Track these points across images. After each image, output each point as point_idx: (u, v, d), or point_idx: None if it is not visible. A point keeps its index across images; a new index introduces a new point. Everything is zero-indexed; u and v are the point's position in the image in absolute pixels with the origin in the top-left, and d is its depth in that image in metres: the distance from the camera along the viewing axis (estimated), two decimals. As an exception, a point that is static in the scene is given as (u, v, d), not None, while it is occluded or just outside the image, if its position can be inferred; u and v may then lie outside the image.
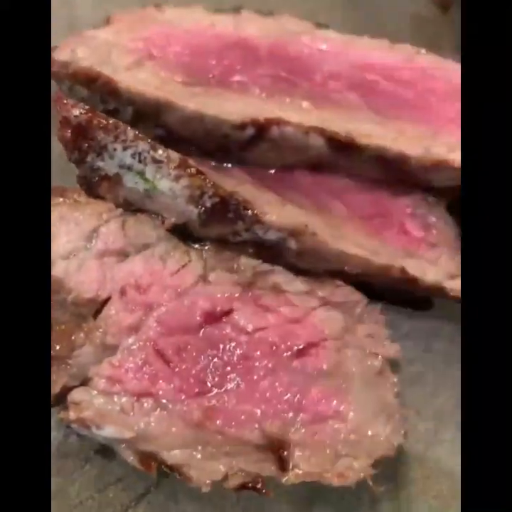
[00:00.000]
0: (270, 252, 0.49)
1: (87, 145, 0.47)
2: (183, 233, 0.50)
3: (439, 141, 0.50)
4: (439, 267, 0.51)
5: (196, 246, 0.49)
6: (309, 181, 0.52)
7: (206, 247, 0.49)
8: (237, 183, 0.50)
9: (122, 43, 0.54)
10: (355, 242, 0.49)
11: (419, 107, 0.53)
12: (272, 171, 0.52)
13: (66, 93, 0.54)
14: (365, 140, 0.48)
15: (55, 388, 0.47)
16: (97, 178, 0.48)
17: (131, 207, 0.49)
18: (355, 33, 0.65)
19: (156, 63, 0.53)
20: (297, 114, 0.49)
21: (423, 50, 0.60)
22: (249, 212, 0.47)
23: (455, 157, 0.50)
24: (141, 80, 0.51)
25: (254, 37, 0.56)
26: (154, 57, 0.54)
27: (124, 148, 0.46)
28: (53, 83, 0.57)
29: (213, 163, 0.52)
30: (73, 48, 0.53)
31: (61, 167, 0.54)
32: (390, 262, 0.48)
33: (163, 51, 0.55)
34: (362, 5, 0.72)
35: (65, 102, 0.49)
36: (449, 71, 0.58)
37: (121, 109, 0.50)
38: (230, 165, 0.52)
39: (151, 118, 0.50)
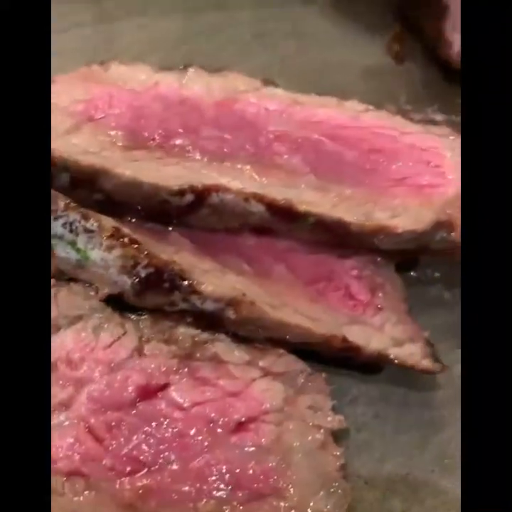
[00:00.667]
0: (209, 321, 0.48)
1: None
2: (118, 303, 0.49)
3: (380, 206, 0.50)
4: (384, 333, 0.50)
5: (132, 316, 0.48)
6: (253, 244, 0.52)
7: (143, 317, 0.48)
8: (175, 250, 0.49)
9: (62, 105, 0.54)
10: (296, 311, 0.48)
11: (363, 168, 0.53)
12: (215, 234, 0.52)
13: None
14: (304, 207, 0.48)
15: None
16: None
17: (63, 276, 0.48)
18: (307, 88, 0.65)
19: (95, 126, 0.53)
20: (238, 180, 0.49)
21: (371, 107, 0.59)
22: (185, 282, 0.46)
23: (397, 223, 0.49)
24: (77, 146, 0.50)
25: (200, 96, 0.56)
26: (94, 120, 0.53)
27: (55, 218, 0.46)
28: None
29: (153, 227, 0.51)
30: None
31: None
32: (332, 332, 0.47)
33: (104, 113, 0.54)
34: (314, 58, 0.73)
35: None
36: (396, 129, 0.59)
37: (57, 175, 0.49)
38: (171, 228, 0.52)
39: (87, 184, 0.50)
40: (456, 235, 0.51)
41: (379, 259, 0.55)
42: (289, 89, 0.64)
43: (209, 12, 0.74)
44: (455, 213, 0.51)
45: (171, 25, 0.72)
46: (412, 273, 0.60)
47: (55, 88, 0.56)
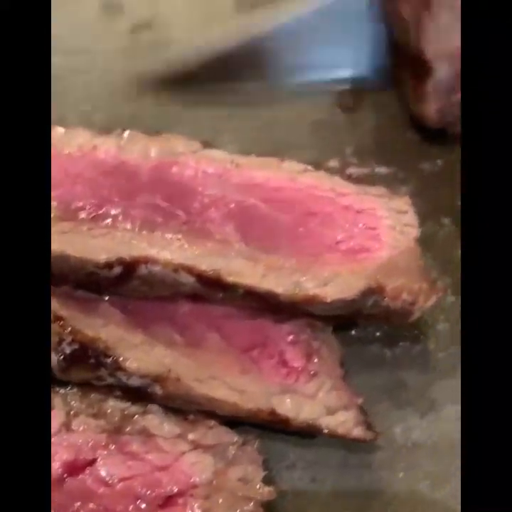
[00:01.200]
0: (138, 395, 0.49)
1: None
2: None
3: (311, 275, 0.51)
4: (316, 401, 0.51)
5: (60, 390, 0.48)
6: (187, 311, 0.52)
7: (71, 391, 0.48)
8: (103, 323, 0.49)
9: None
10: (224, 383, 0.48)
11: (296, 234, 0.54)
12: (148, 302, 0.53)
13: None
14: (233, 278, 0.48)
15: None
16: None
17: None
18: (254, 144, 0.68)
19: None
20: (167, 250, 0.49)
21: (310, 167, 0.60)
22: (110, 359, 0.46)
23: (326, 292, 0.50)
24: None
25: (136, 161, 0.56)
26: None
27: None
28: None
29: (85, 295, 0.52)
30: None
31: None
32: (259, 405, 0.48)
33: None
34: (260, 114, 0.74)
35: None
36: (333, 190, 0.60)
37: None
38: (103, 296, 0.52)
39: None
40: (388, 301, 0.52)
41: (316, 322, 0.56)
42: (236, 146, 0.66)
43: (153, 68, 0.75)
44: (386, 279, 0.53)
45: (115, 83, 0.73)
46: (352, 332, 0.60)
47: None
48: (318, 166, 0.65)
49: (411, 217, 0.59)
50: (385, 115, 0.76)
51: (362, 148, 0.73)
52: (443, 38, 0.68)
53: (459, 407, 0.57)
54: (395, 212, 0.58)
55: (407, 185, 0.71)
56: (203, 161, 0.59)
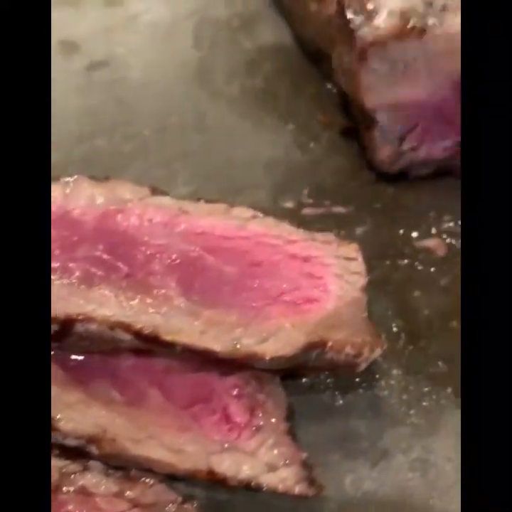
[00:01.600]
0: (76, 453, 0.50)
1: None
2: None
3: (251, 330, 0.52)
4: (257, 458, 0.51)
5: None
6: (129, 366, 0.53)
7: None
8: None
9: None
10: (161, 443, 0.49)
11: (239, 286, 0.55)
12: (90, 356, 0.53)
13: None
14: (171, 337, 0.49)
15: None
16: None
17: None
18: (210, 185, 0.71)
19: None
20: (105, 306, 0.50)
21: (260, 213, 0.62)
22: None
23: (266, 348, 0.51)
24: None
25: (81, 210, 0.58)
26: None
27: None
28: None
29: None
30: None
31: None
32: (197, 465, 0.49)
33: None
34: (219, 153, 0.75)
35: None
36: (281, 237, 0.61)
37: None
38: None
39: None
40: (331, 354, 0.53)
41: (263, 373, 0.57)
42: (190, 187, 0.69)
43: (108, 108, 0.76)
44: (329, 332, 0.53)
45: (69, 123, 0.74)
46: (303, 380, 0.62)
47: None
48: (273, 206, 0.68)
49: (359, 265, 0.60)
50: (342, 155, 0.77)
51: (318, 188, 0.74)
52: (382, 89, 0.70)
53: (409, 456, 0.62)
54: (342, 260, 0.60)
55: (362, 226, 0.72)
56: (149, 209, 0.60)
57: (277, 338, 0.52)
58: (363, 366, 0.57)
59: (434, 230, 0.74)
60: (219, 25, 0.88)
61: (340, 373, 0.61)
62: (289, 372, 0.58)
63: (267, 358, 0.51)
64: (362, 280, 0.60)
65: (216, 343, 0.50)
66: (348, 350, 0.54)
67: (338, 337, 0.54)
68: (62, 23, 0.85)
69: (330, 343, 0.53)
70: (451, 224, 0.75)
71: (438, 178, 0.78)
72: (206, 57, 0.85)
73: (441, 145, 0.74)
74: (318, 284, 0.58)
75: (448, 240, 0.74)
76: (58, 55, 0.83)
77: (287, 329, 0.53)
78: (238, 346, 0.51)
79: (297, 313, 0.55)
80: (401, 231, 0.74)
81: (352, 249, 0.61)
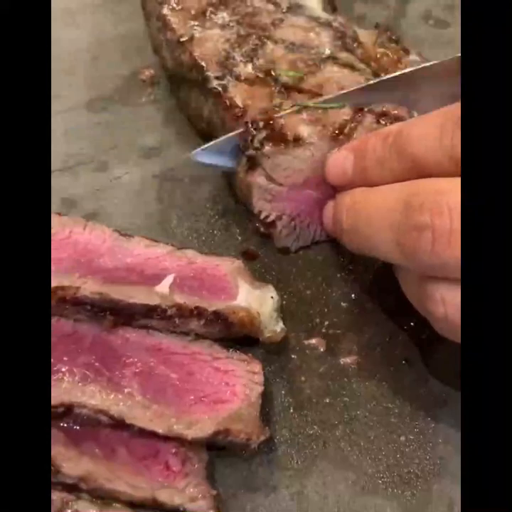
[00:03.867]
0: (72, 487, 0.73)
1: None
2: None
3: (181, 420, 0.74)
4: (184, 493, 0.74)
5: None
6: (107, 433, 0.77)
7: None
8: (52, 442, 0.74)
9: None
10: (125, 482, 0.74)
11: (178, 389, 0.76)
12: (83, 428, 0.76)
13: None
14: (131, 421, 0.74)
15: None
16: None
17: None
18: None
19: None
20: (92, 399, 0.74)
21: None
22: (53, 468, 0.72)
23: (189, 433, 0.73)
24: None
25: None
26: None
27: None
28: None
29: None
30: None
31: None
32: (147, 496, 0.73)
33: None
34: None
35: None
36: (212, 355, 0.80)
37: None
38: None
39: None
40: (232, 438, 0.74)
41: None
42: None
43: None
44: (231, 424, 0.74)
45: None
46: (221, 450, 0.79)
47: None
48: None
49: (260, 377, 0.78)
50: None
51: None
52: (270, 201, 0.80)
53: (290, 490, 0.75)
54: (249, 373, 0.77)
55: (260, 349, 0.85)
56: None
57: (197, 427, 0.73)
58: (252, 446, 0.75)
59: (316, 331, 0.86)
60: (176, 183, 0.97)
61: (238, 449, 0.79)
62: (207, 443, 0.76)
63: (189, 438, 0.73)
64: (260, 388, 0.77)
65: (159, 427, 0.74)
66: (242, 436, 0.73)
67: (237, 428, 0.73)
68: (63, 186, 0.97)
69: (232, 431, 0.72)
70: (327, 325, 0.86)
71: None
72: (165, 208, 0.95)
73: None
74: (230, 390, 0.75)
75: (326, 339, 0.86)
76: (60, 209, 0.93)
77: (205, 420, 0.73)
78: (173, 428, 0.73)
79: (213, 410, 0.75)
80: (293, 334, 0.86)
81: (256, 365, 0.78)
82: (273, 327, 0.78)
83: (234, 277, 0.76)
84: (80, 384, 0.74)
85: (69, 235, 0.76)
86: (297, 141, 0.73)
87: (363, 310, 0.88)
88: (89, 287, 0.72)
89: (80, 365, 0.76)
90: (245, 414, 0.73)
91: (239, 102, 0.72)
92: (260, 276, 0.86)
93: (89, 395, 0.72)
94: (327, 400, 0.81)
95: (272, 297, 0.77)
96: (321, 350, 0.84)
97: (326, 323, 0.86)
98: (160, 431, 0.71)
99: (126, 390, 0.74)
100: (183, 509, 0.71)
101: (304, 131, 0.73)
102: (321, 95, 0.73)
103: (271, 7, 0.77)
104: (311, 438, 0.79)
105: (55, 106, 0.96)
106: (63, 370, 0.75)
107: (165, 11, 0.77)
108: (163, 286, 0.74)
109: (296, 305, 0.87)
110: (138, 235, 0.84)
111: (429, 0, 1.15)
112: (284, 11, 0.77)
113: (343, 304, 0.86)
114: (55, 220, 0.76)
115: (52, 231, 0.74)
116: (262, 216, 0.82)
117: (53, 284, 0.70)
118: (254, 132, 0.72)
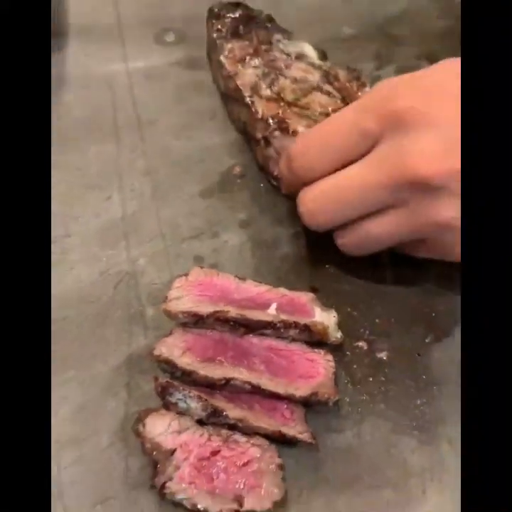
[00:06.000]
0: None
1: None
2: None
3: (290, 387, 0.92)
4: (295, 429, 0.91)
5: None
6: (248, 396, 0.93)
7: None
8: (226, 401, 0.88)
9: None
10: (263, 422, 0.90)
11: (288, 368, 0.94)
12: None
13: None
14: (264, 387, 0.91)
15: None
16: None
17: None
18: None
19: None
20: (241, 375, 0.91)
21: None
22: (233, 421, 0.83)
23: (296, 393, 0.91)
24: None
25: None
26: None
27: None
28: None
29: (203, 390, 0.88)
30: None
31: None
32: (276, 429, 0.88)
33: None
34: None
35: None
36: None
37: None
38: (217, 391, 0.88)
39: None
40: (323, 398, 0.92)
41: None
42: None
43: None
44: (320, 389, 0.91)
45: None
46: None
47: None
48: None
49: (332, 363, 0.97)
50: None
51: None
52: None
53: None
54: (325, 361, 0.97)
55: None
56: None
57: (300, 390, 0.91)
58: (330, 403, 0.91)
59: (361, 337, 1.03)
60: (262, 244, 1.15)
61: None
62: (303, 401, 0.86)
63: (297, 397, 0.89)
64: (333, 369, 0.98)
65: (280, 391, 0.91)
66: (326, 396, 0.91)
67: (322, 391, 0.92)
68: (193, 247, 1.13)
69: (319, 394, 0.93)
70: (368, 333, 1.05)
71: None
72: (257, 260, 1.13)
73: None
74: (316, 370, 0.95)
75: (367, 342, 1.03)
76: (195, 263, 1.11)
77: (304, 387, 0.92)
78: (287, 391, 0.89)
79: (307, 382, 0.92)
80: (347, 339, 1.03)
81: (329, 356, 0.99)
82: (335, 335, 1.02)
83: (311, 304, 1.04)
84: (231, 366, 0.94)
85: (210, 280, 1.03)
86: (295, 132, 1.12)
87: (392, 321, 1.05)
88: (233, 311, 0.98)
89: (228, 357, 0.94)
90: (326, 383, 0.95)
91: (260, 111, 1.16)
92: (324, 303, 1.06)
93: (238, 373, 0.93)
94: (370, 379, 1.00)
95: (334, 316, 1.03)
96: (365, 348, 1.06)
97: (367, 331, 1.07)
98: (280, 392, 0.90)
99: (258, 370, 0.94)
100: (296, 439, 0.87)
101: (299, 127, 1.13)
102: (308, 109, 1.15)
103: (284, 57, 1.23)
104: (363, 402, 0.97)
105: (177, 200, 1.15)
106: (221, 359, 0.94)
107: (221, 57, 1.24)
108: (272, 310, 1.02)
109: (346, 322, 1.07)
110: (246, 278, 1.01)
111: (401, 60, 1.51)
112: (292, 59, 1.24)
113: (377, 321, 1.08)
114: (197, 270, 1.03)
115: (199, 278, 1.00)
116: (275, 174, 1.15)
117: (210, 310, 0.96)
118: (270, 126, 1.13)
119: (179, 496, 0.74)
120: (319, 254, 1.06)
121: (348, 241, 0.81)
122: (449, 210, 0.66)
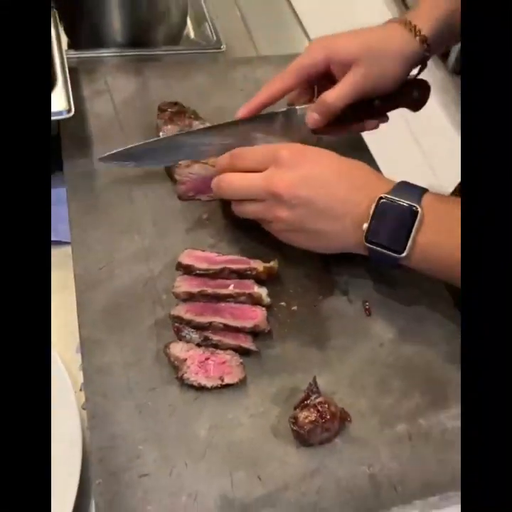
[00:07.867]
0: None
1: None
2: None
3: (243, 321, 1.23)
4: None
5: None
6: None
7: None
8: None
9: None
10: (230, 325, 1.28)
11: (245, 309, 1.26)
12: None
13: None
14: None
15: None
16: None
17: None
18: None
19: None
20: (217, 319, 1.29)
21: None
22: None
23: (247, 325, 1.22)
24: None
25: None
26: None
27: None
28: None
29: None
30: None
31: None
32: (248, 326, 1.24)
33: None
34: None
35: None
36: None
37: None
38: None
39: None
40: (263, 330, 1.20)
41: None
42: None
43: None
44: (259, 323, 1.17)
45: None
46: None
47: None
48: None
49: (267, 301, 1.34)
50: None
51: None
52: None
53: None
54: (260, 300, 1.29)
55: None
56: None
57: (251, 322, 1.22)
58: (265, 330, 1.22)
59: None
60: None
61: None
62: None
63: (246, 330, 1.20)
64: (265, 310, 1.34)
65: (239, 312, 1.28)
66: (265, 327, 1.29)
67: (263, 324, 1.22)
68: None
69: (259, 327, 1.28)
70: None
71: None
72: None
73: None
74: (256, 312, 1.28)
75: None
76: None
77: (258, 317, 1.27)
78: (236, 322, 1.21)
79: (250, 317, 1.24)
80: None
81: (264, 291, 1.38)
82: (266, 300, 1.38)
83: (252, 283, 1.42)
84: (212, 317, 1.29)
85: (197, 256, 1.39)
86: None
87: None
88: (209, 290, 1.36)
89: (209, 313, 1.29)
90: (262, 321, 1.30)
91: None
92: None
93: (216, 319, 1.29)
94: (288, 320, 1.34)
95: (264, 289, 1.38)
96: (284, 306, 1.40)
97: (286, 297, 1.36)
98: (239, 326, 1.25)
99: (226, 317, 1.29)
100: (248, 350, 1.20)
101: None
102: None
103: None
104: (282, 331, 1.29)
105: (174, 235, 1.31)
106: (206, 314, 1.27)
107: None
108: (231, 288, 1.39)
109: (275, 291, 1.34)
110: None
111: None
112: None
113: (291, 291, 1.42)
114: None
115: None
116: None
117: (197, 290, 1.34)
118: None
119: (191, 380, 1.11)
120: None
121: (236, 209, 1.22)
122: (283, 213, 1.13)
